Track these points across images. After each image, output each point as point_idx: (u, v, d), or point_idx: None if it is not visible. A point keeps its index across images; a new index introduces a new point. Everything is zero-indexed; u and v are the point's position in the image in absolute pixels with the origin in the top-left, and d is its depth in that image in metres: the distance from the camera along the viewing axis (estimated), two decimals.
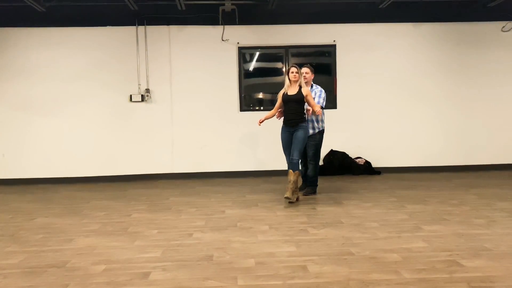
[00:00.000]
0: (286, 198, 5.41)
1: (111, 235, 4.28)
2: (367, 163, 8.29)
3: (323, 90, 6.09)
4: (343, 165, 8.19)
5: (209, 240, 4.01)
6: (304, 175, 6.38)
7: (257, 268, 3.25)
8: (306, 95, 5.52)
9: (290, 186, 5.44)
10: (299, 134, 5.55)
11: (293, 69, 5.59)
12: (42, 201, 6.30)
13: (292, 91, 5.59)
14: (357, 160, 8.30)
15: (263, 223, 4.59)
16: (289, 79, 5.61)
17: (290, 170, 5.51)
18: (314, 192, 6.19)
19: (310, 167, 6.11)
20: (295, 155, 5.53)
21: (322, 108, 5.81)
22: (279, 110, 5.82)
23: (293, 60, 8.46)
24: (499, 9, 8.21)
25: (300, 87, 5.58)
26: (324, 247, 3.72)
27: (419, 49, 8.47)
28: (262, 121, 5.83)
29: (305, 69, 5.96)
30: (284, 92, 5.68)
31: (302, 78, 5.66)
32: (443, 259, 3.33)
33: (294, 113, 5.57)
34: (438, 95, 8.47)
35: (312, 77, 6.08)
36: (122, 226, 4.63)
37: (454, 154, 8.50)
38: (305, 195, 6.07)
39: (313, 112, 5.54)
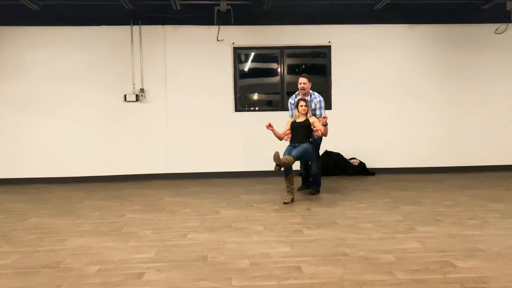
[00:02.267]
0: (276, 160, 5.46)
1: (105, 236, 4.27)
2: (362, 164, 8.31)
3: (322, 100, 6.26)
4: (338, 166, 8.20)
5: (203, 241, 4.00)
6: (304, 177, 6.46)
7: (252, 268, 3.25)
8: (313, 122, 5.94)
9: (283, 158, 5.56)
10: (304, 144, 5.89)
11: (302, 103, 6.01)
12: (35, 201, 6.27)
13: (301, 119, 6.03)
14: (352, 160, 8.32)
15: (257, 224, 4.60)
16: (298, 111, 6.02)
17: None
18: (318, 191, 6.29)
19: (314, 164, 6.26)
20: (295, 153, 5.72)
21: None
22: (287, 134, 6.13)
23: (288, 60, 8.47)
24: (493, 11, 8.25)
25: (308, 117, 6.00)
26: (318, 247, 3.73)
27: (413, 50, 8.51)
28: (270, 126, 5.89)
29: (303, 80, 6.15)
30: (293, 120, 6.08)
31: (310, 109, 6.07)
32: (437, 260, 3.35)
33: (301, 135, 5.95)
34: (432, 97, 8.51)
35: (310, 86, 6.22)
36: (116, 227, 4.62)
37: (448, 155, 8.53)
38: (310, 193, 6.23)
39: (321, 132, 5.88)
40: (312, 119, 6.00)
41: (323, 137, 6.25)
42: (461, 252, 3.52)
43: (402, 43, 8.49)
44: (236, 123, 8.35)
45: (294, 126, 6.05)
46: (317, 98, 6.23)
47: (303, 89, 6.12)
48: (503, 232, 4.14)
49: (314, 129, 5.95)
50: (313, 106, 6.17)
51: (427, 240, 3.89)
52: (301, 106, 6.00)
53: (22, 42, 8.06)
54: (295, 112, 6.08)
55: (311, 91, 6.25)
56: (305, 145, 5.87)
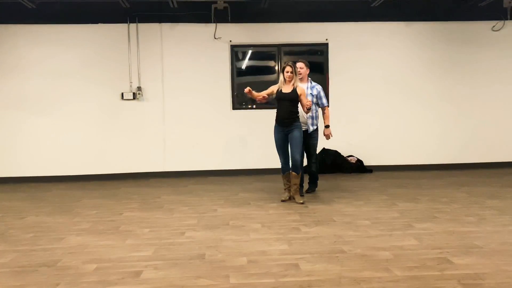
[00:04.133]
0: (301, 203, 5.35)
1: (103, 234, 4.26)
2: (359, 162, 8.32)
3: (321, 88, 6.03)
4: (335, 164, 8.21)
5: (201, 239, 4.00)
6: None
7: (249, 266, 3.25)
8: (300, 95, 5.35)
9: (295, 188, 5.44)
10: (296, 134, 5.38)
11: (288, 69, 5.39)
12: (32, 200, 6.25)
13: (287, 89, 5.41)
14: (349, 158, 8.33)
15: (255, 222, 4.60)
16: (284, 77, 5.44)
17: (293, 173, 5.43)
18: (315, 190, 6.25)
19: (314, 165, 6.12)
20: (298, 157, 5.37)
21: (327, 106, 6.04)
22: (264, 96, 5.56)
23: (285, 58, 8.45)
24: (490, 8, 8.26)
25: (295, 86, 5.41)
26: (316, 245, 3.73)
27: (411, 47, 8.51)
28: (249, 91, 5.47)
29: (299, 64, 5.86)
30: (278, 89, 5.49)
31: (297, 77, 5.51)
32: (434, 257, 3.36)
33: (288, 112, 5.39)
34: (429, 94, 8.52)
35: (307, 72, 5.98)
36: (114, 225, 4.61)
37: (445, 152, 8.55)
38: (308, 192, 6.11)
39: (307, 109, 5.43)
40: (299, 90, 5.35)
41: (318, 136, 6.02)
42: (458, 249, 3.53)
43: (399, 41, 8.49)
44: (233, 121, 8.34)
45: (280, 97, 5.42)
46: (318, 86, 5.97)
47: (299, 73, 5.73)
48: (499, 228, 4.15)
49: (304, 103, 5.30)
50: (315, 92, 5.86)
51: (424, 237, 3.90)
52: (287, 72, 5.36)
53: (18, 40, 8.02)
54: (281, 77, 5.49)
55: (311, 80, 6.03)
56: (296, 136, 5.34)
